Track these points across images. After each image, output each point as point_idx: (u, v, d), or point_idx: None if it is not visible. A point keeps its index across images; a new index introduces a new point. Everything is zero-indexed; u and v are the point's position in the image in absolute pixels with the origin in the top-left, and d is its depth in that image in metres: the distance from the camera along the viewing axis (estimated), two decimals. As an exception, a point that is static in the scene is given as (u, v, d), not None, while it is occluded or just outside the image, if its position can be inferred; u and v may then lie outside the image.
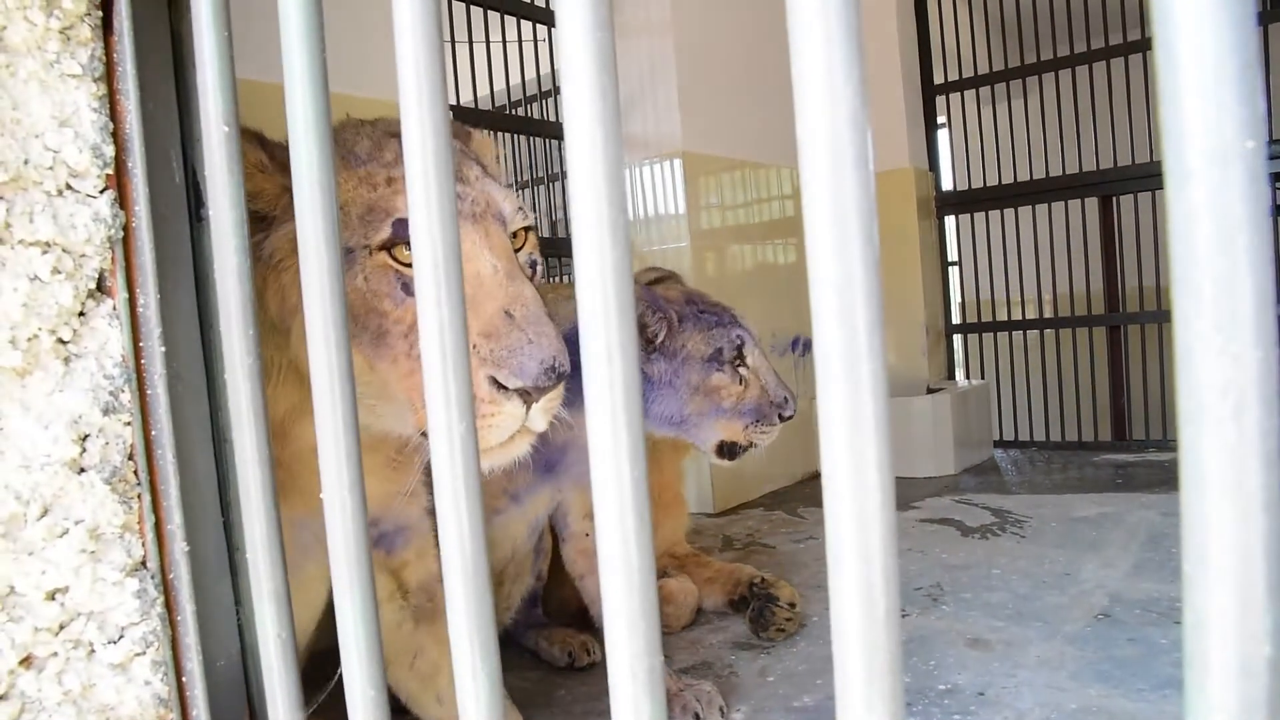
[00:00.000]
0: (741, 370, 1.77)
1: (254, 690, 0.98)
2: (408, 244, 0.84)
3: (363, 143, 1.12)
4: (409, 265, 0.98)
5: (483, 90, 3.44)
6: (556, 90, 3.94)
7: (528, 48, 3.60)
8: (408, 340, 1.01)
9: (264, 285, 1.08)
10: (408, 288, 1.02)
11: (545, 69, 3.53)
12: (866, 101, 0.44)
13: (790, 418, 1.79)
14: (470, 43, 3.42)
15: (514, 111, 3.71)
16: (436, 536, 0.63)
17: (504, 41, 3.51)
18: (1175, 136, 0.34)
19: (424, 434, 0.96)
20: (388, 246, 1.03)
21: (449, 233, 0.62)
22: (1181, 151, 0.34)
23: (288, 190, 1.02)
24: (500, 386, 1.00)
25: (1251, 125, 0.33)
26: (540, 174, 3.76)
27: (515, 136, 3.70)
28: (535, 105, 3.95)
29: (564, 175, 3.79)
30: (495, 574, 1.99)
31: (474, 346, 0.98)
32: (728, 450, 1.83)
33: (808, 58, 0.43)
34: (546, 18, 3.38)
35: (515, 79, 3.59)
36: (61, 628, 0.81)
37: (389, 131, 1.14)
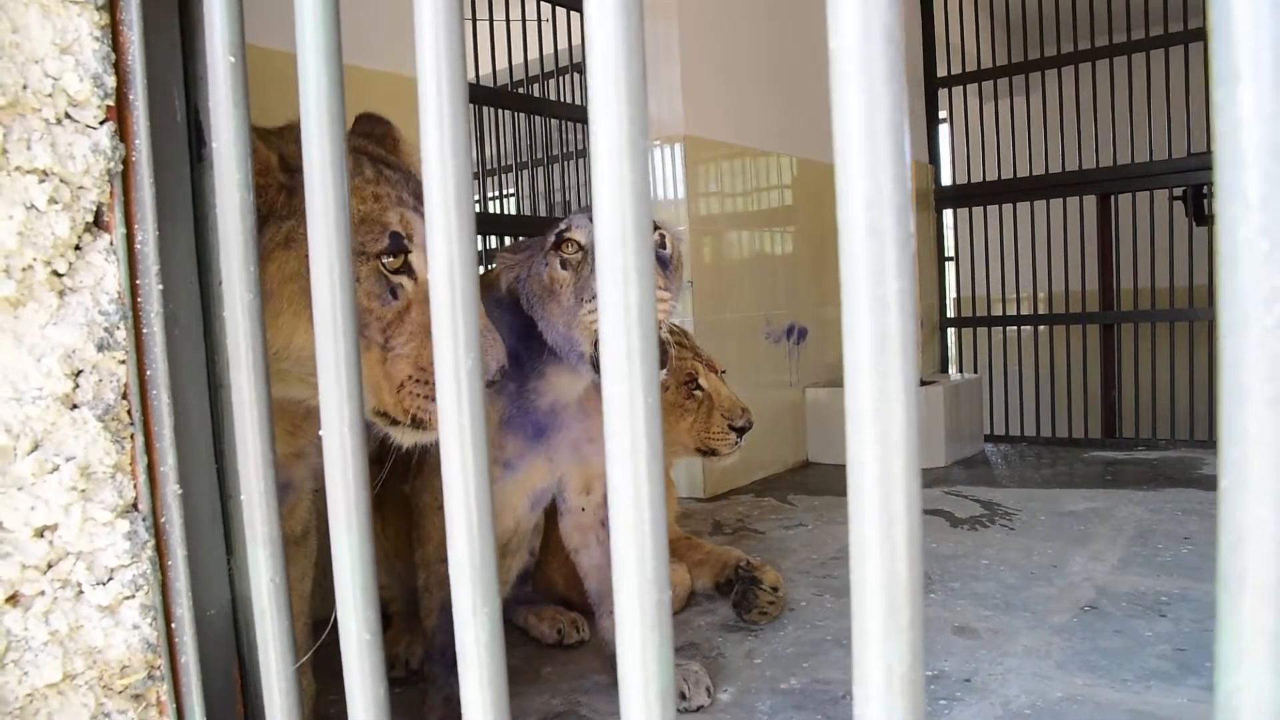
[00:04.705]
0: (568, 255, 1.49)
1: (244, 643, 0.97)
2: (395, 254, 1.14)
3: None
4: (394, 272, 1.15)
5: (484, 69, 3.42)
6: (560, 71, 3.90)
7: (531, 27, 3.57)
8: (384, 334, 1.15)
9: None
10: (394, 291, 1.16)
11: (549, 49, 3.50)
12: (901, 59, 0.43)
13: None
14: (474, 20, 3.39)
15: (517, 91, 3.70)
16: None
17: (508, 21, 3.48)
18: (1224, 37, 0.33)
19: (377, 413, 1.15)
20: (382, 255, 1.16)
21: (465, 220, 0.61)
22: (1230, 53, 0.33)
23: (284, 189, 1.11)
24: None
25: (1307, 23, 0.32)
26: (541, 155, 3.74)
27: (516, 115, 3.67)
28: (537, 85, 3.93)
29: (564, 157, 3.76)
30: (500, 545, 1.97)
31: None
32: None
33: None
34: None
35: (518, 58, 3.56)
36: (50, 566, 0.80)
37: (354, 148, 1.24)
